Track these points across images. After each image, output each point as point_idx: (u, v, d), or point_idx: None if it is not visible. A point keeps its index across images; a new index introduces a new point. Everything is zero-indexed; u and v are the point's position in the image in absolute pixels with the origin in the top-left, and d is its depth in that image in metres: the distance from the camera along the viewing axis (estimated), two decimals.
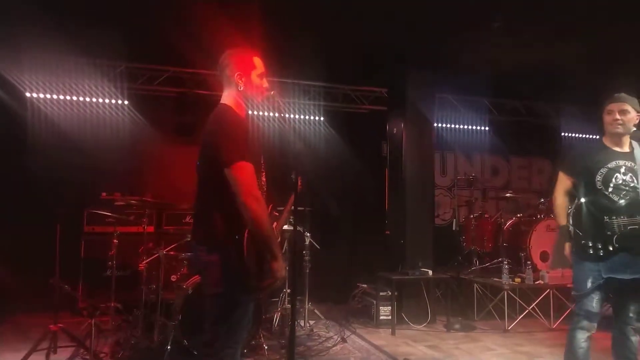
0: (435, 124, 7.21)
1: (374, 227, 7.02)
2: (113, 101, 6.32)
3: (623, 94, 3.06)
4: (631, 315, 2.94)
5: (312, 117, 7.13)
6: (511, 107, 7.87)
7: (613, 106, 3.02)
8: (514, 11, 4.82)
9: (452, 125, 7.91)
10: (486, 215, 7.11)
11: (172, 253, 4.52)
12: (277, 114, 2.47)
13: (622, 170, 2.98)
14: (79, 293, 5.30)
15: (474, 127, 7.98)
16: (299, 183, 2.34)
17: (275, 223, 2.57)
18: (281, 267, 2.23)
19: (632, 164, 2.99)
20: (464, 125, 7.95)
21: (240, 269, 2.20)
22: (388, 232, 6.88)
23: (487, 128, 8.00)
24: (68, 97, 6.16)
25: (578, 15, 4.86)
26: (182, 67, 6.35)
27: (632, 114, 3.00)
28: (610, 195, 2.93)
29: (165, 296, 4.20)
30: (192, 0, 4.64)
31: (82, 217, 5.62)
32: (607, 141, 3.10)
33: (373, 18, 5.15)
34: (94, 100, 6.26)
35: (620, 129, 2.99)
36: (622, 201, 2.91)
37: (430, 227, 6.56)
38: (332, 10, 4.97)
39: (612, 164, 2.97)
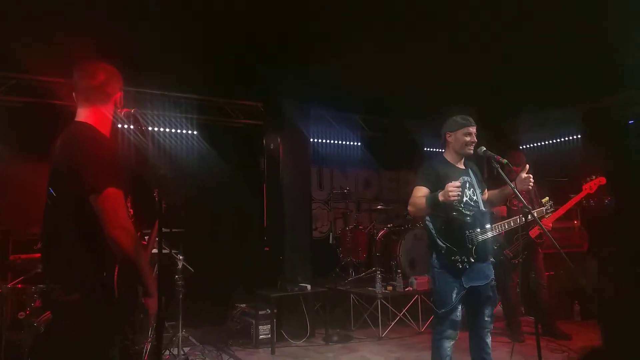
0: (311, 139, 7.38)
1: (253, 244, 6.90)
2: None
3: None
4: (486, 319, 3.20)
5: (184, 131, 6.81)
6: (380, 123, 8.37)
7: (472, 129, 3.25)
8: (385, 30, 5.10)
9: (328, 141, 8.17)
10: (360, 227, 7.40)
11: (19, 286, 3.96)
12: (136, 131, 2.28)
13: (467, 185, 3.23)
14: None
15: (348, 143, 8.35)
16: (163, 204, 2.15)
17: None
18: (155, 304, 2.07)
19: (470, 180, 3.28)
20: (338, 141, 8.27)
21: (109, 308, 2.00)
22: (267, 249, 6.82)
23: (359, 143, 8.41)
24: None
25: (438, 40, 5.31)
26: (32, 75, 5.64)
27: None
28: (463, 210, 3.16)
29: (11, 337, 3.66)
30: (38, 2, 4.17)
31: None
32: (449, 157, 3.32)
33: (248, 30, 5.10)
34: None
35: (472, 151, 3.26)
36: (471, 215, 3.16)
37: (309, 241, 6.64)
38: (207, 20, 4.81)
39: (460, 180, 3.15)
